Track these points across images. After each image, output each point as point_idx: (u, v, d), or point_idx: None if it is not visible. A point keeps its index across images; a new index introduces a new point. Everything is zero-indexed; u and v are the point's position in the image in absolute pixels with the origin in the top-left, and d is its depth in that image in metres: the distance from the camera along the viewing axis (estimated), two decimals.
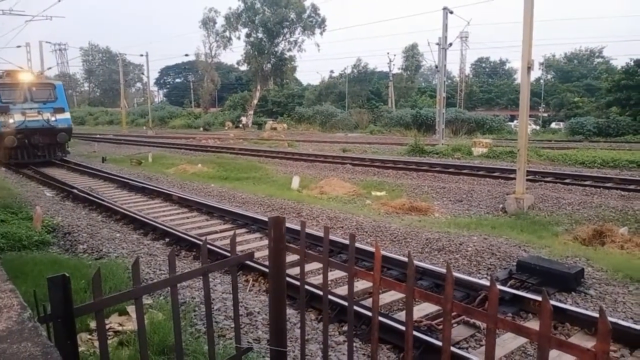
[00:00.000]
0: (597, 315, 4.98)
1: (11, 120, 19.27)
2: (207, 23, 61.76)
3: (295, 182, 15.02)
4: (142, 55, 53.73)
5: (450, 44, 28.28)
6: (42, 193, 13.86)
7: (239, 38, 59.09)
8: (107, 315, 4.30)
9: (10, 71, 21.45)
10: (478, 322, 4.98)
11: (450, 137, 36.09)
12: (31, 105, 19.95)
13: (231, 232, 9.30)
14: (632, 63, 40.83)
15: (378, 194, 13.68)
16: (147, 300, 5.21)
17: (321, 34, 56.17)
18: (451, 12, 27.32)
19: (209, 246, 6.43)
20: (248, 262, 6.58)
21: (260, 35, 56.40)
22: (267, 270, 6.00)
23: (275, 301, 3.40)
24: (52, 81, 22.89)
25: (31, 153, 20.28)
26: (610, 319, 4.98)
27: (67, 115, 21.18)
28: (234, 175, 17.72)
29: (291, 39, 57.49)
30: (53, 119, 20.36)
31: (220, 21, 60.07)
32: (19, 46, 45.51)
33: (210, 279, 3.91)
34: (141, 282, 2.85)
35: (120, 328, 4.59)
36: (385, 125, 49.24)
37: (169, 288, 2.93)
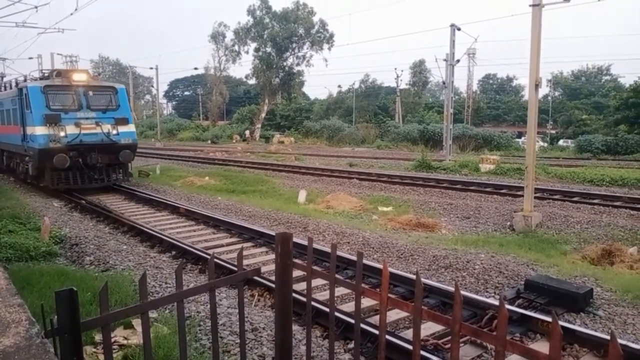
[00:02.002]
0: (606, 336, 4.92)
1: (62, 134, 15.02)
2: (217, 37, 62.39)
3: (302, 196, 15.02)
4: (151, 68, 54.13)
5: (458, 61, 28.37)
6: (50, 203, 13.94)
7: (247, 52, 59.67)
8: (112, 329, 4.29)
9: (62, 70, 16.92)
10: (486, 343, 4.92)
11: (457, 153, 36.04)
12: (87, 114, 15.60)
13: (237, 246, 9.30)
14: None
15: (385, 209, 13.64)
16: (152, 314, 5.20)
17: (329, 49, 56.51)
18: (459, 29, 27.43)
19: (215, 260, 6.44)
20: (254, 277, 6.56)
21: (268, 49, 56.87)
22: (273, 285, 5.98)
23: (281, 317, 3.38)
24: (113, 84, 17.81)
25: (86, 176, 15.82)
26: (620, 341, 4.91)
27: (131, 127, 16.82)
28: (240, 189, 17.76)
29: (299, 54, 57.90)
30: (114, 132, 15.97)
31: (230, 35, 60.73)
32: (30, 58, 46.01)
33: (216, 293, 3.90)
34: (147, 296, 2.85)
35: (125, 342, 4.58)
36: (392, 140, 49.29)
37: (175, 303, 2.93)
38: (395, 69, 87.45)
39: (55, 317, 2.36)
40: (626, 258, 8.39)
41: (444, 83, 29.95)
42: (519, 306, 6.05)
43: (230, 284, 6.37)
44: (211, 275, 3.01)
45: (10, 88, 18.49)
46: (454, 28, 27.34)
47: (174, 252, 8.92)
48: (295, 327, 5.12)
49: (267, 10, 55.84)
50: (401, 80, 67.10)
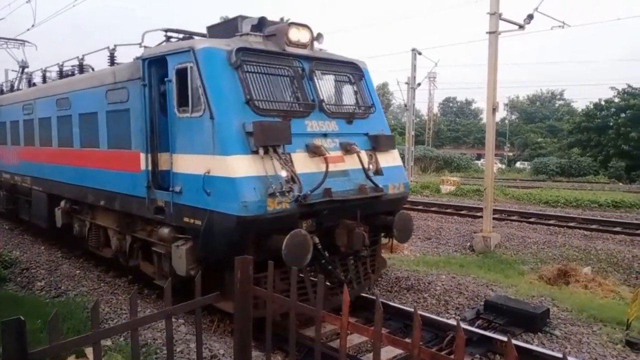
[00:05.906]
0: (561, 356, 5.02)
1: (284, 174, 5.68)
2: None
3: None
4: None
5: (419, 84, 29.03)
6: (1, 226, 13.34)
7: None
8: (63, 359, 4.09)
9: (264, 19, 6.82)
10: None
11: (419, 174, 36.63)
12: (325, 125, 6.61)
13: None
14: (591, 106, 42.65)
15: None
16: (106, 342, 5.00)
17: None
18: (420, 54, 28.13)
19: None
20: None
21: None
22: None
23: (240, 343, 3.31)
24: (352, 59, 7.72)
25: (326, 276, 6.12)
26: None
27: (396, 156, 7.56)
28: None
29: None
30: (372, 167, 6.86)
31: None
32: None
33: (173, 319, 3.78)
34: (100, 323, 2.74)
35: None
36: None
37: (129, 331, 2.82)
38: None
39: (1, 348, 2.24)
40: (581, 278, 8.66)
41: (405, 105, 30.52)
42: (478, 327, 6.12)
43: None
44: (167, 302, 2.92)
45: (62, 77, 10.22)
46: (415, 52, 28.04)
47: (130, 277, 8.63)
48: (255, 353, 5.02)
49: None
50: None
